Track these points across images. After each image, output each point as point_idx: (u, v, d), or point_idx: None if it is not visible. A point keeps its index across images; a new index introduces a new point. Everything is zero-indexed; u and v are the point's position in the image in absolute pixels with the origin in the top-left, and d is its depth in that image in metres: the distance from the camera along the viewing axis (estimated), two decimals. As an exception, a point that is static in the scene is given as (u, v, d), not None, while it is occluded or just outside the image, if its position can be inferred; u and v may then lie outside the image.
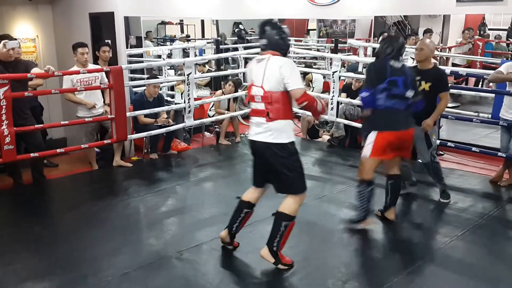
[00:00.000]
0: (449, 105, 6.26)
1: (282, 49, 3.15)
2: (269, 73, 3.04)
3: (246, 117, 7.76)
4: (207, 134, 7.03)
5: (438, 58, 8.41)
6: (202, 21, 9.86)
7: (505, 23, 9.46)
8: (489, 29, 9.89)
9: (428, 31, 8.69)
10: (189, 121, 5.98)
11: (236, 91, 6.78)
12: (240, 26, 10.82)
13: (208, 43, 9.21)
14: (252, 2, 8.54)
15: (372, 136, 3.75)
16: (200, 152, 6.29)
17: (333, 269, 3.36)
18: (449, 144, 5.24)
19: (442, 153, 6.23)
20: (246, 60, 9.38)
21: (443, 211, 4.42)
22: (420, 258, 3.50)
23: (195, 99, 6.25)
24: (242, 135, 6.96)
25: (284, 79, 3.00)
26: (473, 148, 5.14)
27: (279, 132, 3.09)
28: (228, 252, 3.57)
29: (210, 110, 6.71)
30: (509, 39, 9.21)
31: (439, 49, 8.45)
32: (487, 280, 3.23)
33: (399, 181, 4.05)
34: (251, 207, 3.50)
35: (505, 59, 7.75)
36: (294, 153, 3.19)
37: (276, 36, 3.10)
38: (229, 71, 7.69)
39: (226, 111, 6.71)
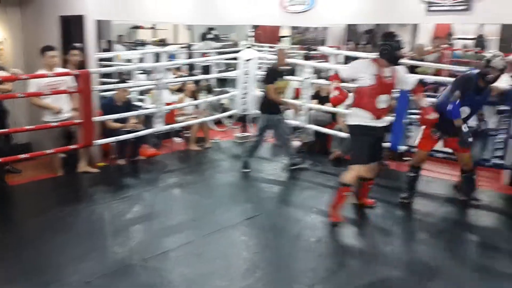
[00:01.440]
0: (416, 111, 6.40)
1: (384, 56, 3.96)
2: None
3: (217, 122, 7.76)
4: (177, 139, 6.98)
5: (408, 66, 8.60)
6: (175, 26, 9.84)
7: (473, 32, 9.74)
8: (458, 38, 10.17)
9: (397, 40, 8.86)
10: (159, 126, 5.93)
11: (192, 96, 6.77)
12: (213, 31, 10.80)
13: (182, 47, 9.19)
14: (227, 8, 8.56)
15: None
16: (169, 158, 6.24)
17: (300, 273, 3.39)
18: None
19: (409, 159, 6.35)
20: (218, 66, 9.39)
21: (407, 215, 4.51)
22: (385, 262, 3.56)
23: (167, 104, 6.22)
24: (213, 140, 6.95)
25: None
26: (438, 154, 5.26)
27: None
28: (196, 259, 3.56)
29: (177, 116, 6.67)
30: (477, 48, 9.46)
31: (408, 58, 8.64)
32: (451, 283, 3.32)
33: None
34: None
35: (473, 67, 7.96)
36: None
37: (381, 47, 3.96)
38: (201, 76, 7.66)
39: (194, 115, 6.70)
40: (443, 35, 9.18)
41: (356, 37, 9.34)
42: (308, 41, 10.18)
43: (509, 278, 3.42)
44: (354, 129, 4.07)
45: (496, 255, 3.77)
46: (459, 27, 9.90)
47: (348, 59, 8.45)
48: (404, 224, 4.35)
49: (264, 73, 5.61)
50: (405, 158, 6.38)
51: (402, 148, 5.40)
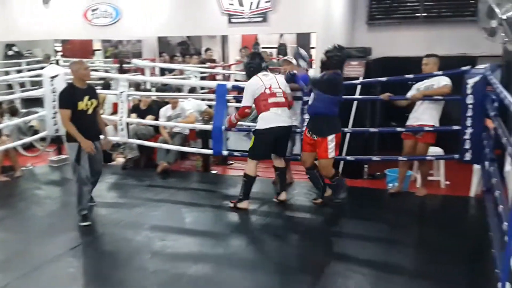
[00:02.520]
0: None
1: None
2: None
3: (28, 147, 6.99)
4: (-22, 172, 6.05)
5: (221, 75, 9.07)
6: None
7: (276, 41, 10.75)
8: (263, 47, 11.10)
9: (207, 50, 9.30)
10: (-49, 160, 5.07)
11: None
12: (14, 48, 9.77)
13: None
14: (25, 23, 7.80)
15: (332, 138, 4.51)
16: (-31, 195, 5.39)
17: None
18: (235, 153, 5.63)
19: (232, 162, 6.68)
20: (23, 85, 8.51)
21: (234, 216, 4.69)
22: (221, 265, 3.63)
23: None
24: (24, 168, 6.21)
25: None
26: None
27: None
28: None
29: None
30: (279, 55, 10.47)
31: (222, 67, 9.12)
32: (280, 272, 3.56)
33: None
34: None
35: (277, 73, 8.76)
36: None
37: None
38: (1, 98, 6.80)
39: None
40: (250, 45, 9.93)
41: (170, 49, 9.46)
42: (122, 54, 9.93)
43: (341, 257, 3.82)
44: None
45: (319, 238, 4.22)
46: (264, 37, 10.84)
47: (163, 71, 8.54)
48: (231, 225, 4.51)
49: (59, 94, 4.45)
50: (229, 162, 6.69)
51: (225, 153, 5.62)
